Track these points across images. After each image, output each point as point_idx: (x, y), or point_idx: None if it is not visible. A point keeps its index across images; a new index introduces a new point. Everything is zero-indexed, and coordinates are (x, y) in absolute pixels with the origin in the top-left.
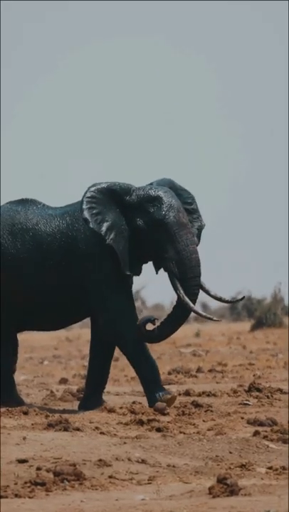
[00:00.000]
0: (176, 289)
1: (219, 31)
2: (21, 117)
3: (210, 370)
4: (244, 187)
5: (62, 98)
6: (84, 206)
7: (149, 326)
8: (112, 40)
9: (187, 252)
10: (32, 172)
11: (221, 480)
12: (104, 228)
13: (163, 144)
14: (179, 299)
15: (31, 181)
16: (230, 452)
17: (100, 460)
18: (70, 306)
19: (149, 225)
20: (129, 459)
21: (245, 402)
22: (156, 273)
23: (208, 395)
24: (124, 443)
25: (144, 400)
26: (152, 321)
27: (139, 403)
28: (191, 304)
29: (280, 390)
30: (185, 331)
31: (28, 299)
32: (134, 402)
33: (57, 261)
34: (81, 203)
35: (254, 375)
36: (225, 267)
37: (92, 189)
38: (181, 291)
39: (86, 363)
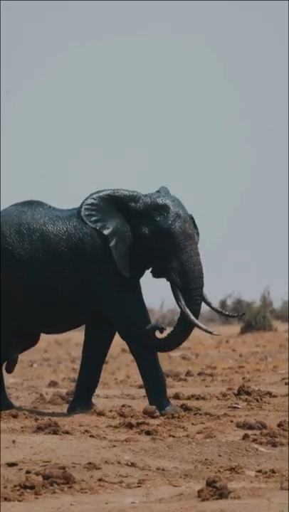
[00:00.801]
0: (177, 299)
1: (219, 31)
2: (21, 116)
3: (199, 374)
4: (236, 190)
5: (62, 97)
6: (82, 213)
7: (158, 335)
8: (112, 38)
9: (191, 263)
10: (31, 171)
11: (211, 483)
12: (104, 235)
13: (163, 144)
14: (180, 310)
15: (30, 180)
16: (220, 455)
17: (90, 463)
18: (74, 308)
19: (154, 234)
20: (118, 462)
21: (235, 405)
22: (155, 277)
23: (197, 399)
24: (114, 446)
25: (133, 403)
26: (160, 329)
27: (129, 406)
28: (192, 316)
29: (270, 394)
30: None
31: (32, 299)
32: (123, 405)
33: (64, 262)
34: (80, 210)
35: (243, 379)
36: (214, 270)
37: (93, 196)
38: (183, 303)
39: (76, 366)
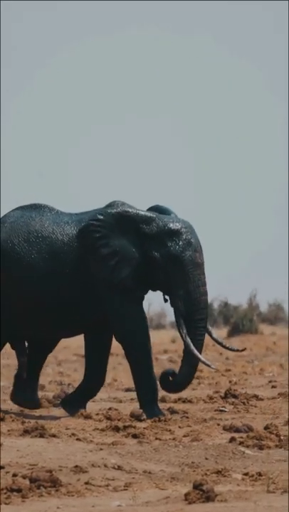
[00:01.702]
0: (179, 327)
1: (221, 31)
2: (20, 115)
3: None
4: (224, 192)
5: (61, 96)
6: (87, 228)
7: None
8: (112, 36)
9: (197, 294)
10: (31, 170)
11: (197, 486)
12: (103, 253)
13: (164, 144)
14: (181, 338)
15: (30, 180)
16: (207, 458)
17: (76, 466)
18: (83, 315)
19: (164, 258)
20: (105, 466)
21: (221, 408)
22: (165, 302)
23: (184, 402)
24: (101, 449)
25: (120, 407)
26: (172, 374)
27: (116, 409)
28: (192, 346)
29: (256, 397)
30: (161, 337)
31: (42, 306)
32: (110, 409)
33: (73, 269)
34: (87, 225)
35: (230, 382)
36: None
37: (103, 212)
38: (184, 331)
39: (62, 370)
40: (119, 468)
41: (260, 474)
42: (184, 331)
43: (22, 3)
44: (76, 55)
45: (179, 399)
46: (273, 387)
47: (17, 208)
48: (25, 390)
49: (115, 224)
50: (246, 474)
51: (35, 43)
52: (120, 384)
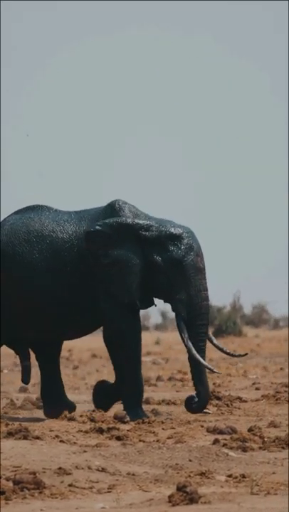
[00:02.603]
0: (181, 331)
1: (221, 31)
2: (20, 114)
3: (169, 379)
4: (209, 193)
5: (62, 95)
6: (87, 238)
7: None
8: (112, 36)
9: (198, 298)
10: (31, 170)
11: (181, 488)
12: (104, 262)
13: (163, 144)
14: (183, 342)
15: (30, 180)
16: (190, 460)
17: (60, 468)
18: (85, 315)
19: (165, 263)
20: (89, 468)
21: (205, 410)
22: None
23: (167, 404)
24: (84, 451)
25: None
26: (194, 397)
27: (99, 411)
28: (194, 350)
29: (240, 399)
30: (145, 339)
31: (43, 306)
32: (94, 411)
33: (74, 267)
34: (85, 235)
35: (214, 384)
36: None
37: (100, 223)
38: (186, 335)
39: None
40: (103, 470)
41: (243, 476)
42: (186, 335)
43: (22, 3)
44: (76, 55)
45: (163, 401)
46: (257, 389)
47: (14, 212)
48: (54, 400)
49: (113, 233)
50: (230, 476)
51: (35, 43)
52: None
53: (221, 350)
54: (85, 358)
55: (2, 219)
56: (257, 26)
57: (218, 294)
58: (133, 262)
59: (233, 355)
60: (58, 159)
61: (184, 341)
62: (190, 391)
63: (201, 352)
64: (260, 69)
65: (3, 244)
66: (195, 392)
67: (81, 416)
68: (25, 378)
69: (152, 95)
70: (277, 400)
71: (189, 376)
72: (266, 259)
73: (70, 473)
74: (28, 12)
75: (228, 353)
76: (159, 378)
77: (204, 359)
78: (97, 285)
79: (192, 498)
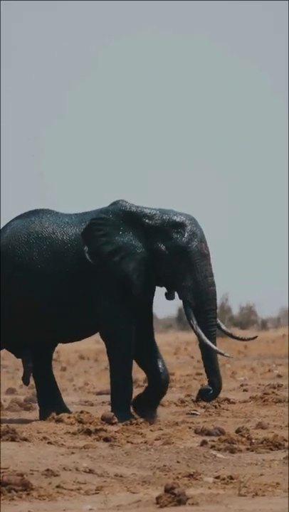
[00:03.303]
0: (189, 318)
1: (221, 31)
2: (20, 115)
3: None
4: (195, 196)
5: (62, 95)
6: (89, 229)
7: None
8: (112, 36)
9: (205, 284)
10: (31, 170)
11: (169, 489)
12: (106, 250)
13: (162, 144)
14: (192, 329)
15: (30, 180)
16: (178, 462)
17: (48, 470)
18: (85, 316)
19: (170, 251)
20: (76, 469)
21: (193, 411)
22: (167, 299)
23: None
24: (72, 453)
25: (91, 410)
26: (209, 389)
27: (87, 413)
28: (204, 336)
29: (228, 400)
30: None
31: (43, 307)
32: (81, 412)
33: (74, 268)
34: (88, 225)
35: (202, 385)
36: None
37: (104, 210)
38: (195, 322)
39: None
40: (91, 471)
41: (231, 478)
42: (194, 322)
43: (22, 3)
44: (76, 56)
45: None
46: (245, 390)
47: (17, 217)
48: (52, 403)
49: (118, 221)
50: (218, 478)
51: (35, 43)
52: (92, 387)
53: (230, 335)
54: (73, 359)
55: (6, 222)
56: (257, 26)
57: None
58: (136, 250)
59: (243, 339)
60: (57, 158)
61: (193, 328)
62: (178, 392)
63: (212, 338)
64: (259, 69)
65: (4, 246)
66: (208, 382)
67: (69, 417)
68: (27, 379)
69: (152, 96)
70: (264, 401)
71: (176, 377)
72: (254, 260)
73: (57, 475)
74: (28, 12)
75: (237, 338)
76: (146, 380)
77: (215, 345)
78: (95, 284)
79: (180, 500)
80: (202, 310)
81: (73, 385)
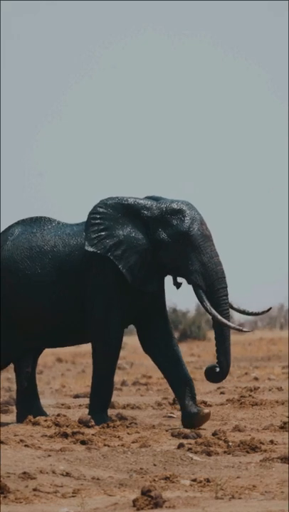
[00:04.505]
0: (202, 301)
1: (221, 31)
2: (20, 115)
3: (134, 383)
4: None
5: (62, 95)
6: (88, 223)
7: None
8: (111, 38)
9: (212, 264)
10: (31, 170)
11: (146, 492)
12: (107, 244)
13: (165, 144)
14: (206, 311)
15: (30, 180)
16: (155, 464)
17: (24, 473)
18: (86, 326)
19: (172, 238)
20: (53, 472)
21: (170, 414)
22: (177, 288)
23: (132, 408)
24: (49, 456)
25: (68, 413)
26: (216, 366)
27: (64, 416)
28: (219, 316)
29: (204, 403)
30: None
31: (48, 322)
32: (58, 415)
33: (76, 281)
34: (87, 220)
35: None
36: None
37: (101, 204)
38: (208, 304)
39: (10, 376)
40: (68, 474)
41: (208, 480)
42: (208, 304)
43: (22, 3)
44: (76, 56)
45: (128, 405)
46: (222, 393)
47: (17, 223)
48: (30, 407)
49: (116, 214)
50: (194, 480)
51: (35, 43)
52: (69, 390)
53: (243, 312)
54: (50, 362)
55: (6, 227)
56: (257, 26)
57: (183, 298)
58: (138, 243)
59: (256, 314)
60: (58, 158)
61: (207, 310)
62: (155, 395)
63: (226, 316)
64: (259, 70)
65: (6, 259)
66: (217, 362)
67: (45, 420)
68: (24, 383)
69: (151, 96)
70: (241, 404)
71: (153, 380)
72: (232, 262)
73: (34, 478)
74: (28, 12)
75: (250, 313)
76: (123, 383)
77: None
78: (91, 286)
79: (157, 503)
80: (213, 290)
81: (50, 388)
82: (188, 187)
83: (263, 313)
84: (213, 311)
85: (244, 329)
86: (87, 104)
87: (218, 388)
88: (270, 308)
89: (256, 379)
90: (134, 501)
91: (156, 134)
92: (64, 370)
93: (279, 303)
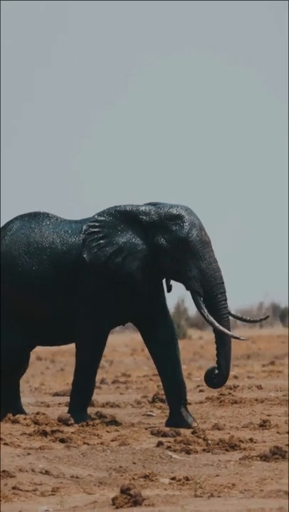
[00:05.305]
0: (199, 308)
1: (221, 31)
2: (21, 115)
3: (114, 382)
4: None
5: (61, 95)
6: (86, 232)
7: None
8: (111, 38)
9: (211, 270)
10: (31, 170)
11: (125, 491)
12: (108, 252)
13: (165, 144)
14: (204, 318)
15: (30, 180)
16: (134, 463)
17: (4, 471)
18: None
19: (171, 243)
20: (32, 470)
21: (149, 413)
22: (169, 291)
23: (112, 406)
24: (28, 454)
25: (48, 411)
26: (215, 369)
27: (43, 414)
28: (216, 323)
29: None
30: None
31: (45, 318)
32: (38, 413)
33: (73, 278)
34: (85, 229)
35: (158, 386)
36: None
37: (101, 212)
38: (205, 311)
39: None
40: (47, 472)
41: (187, 479)
42: (205, 311)
43: (22, 3)
44: (76, 57)
45: (107, 403)
46: (201, 391)
47: (16, 218)
48: (16, 403)
49: (115, 221)
50: (173, 479)
51: (35, 43)
52: (48, 388)
53: (240, 318)
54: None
55: (5, 222)
56: (257, 26)
57: None
58: (138, 249)
59: (254, 321)
60: (58, 158)
61: (204, 317)
62: (134, 393)
63: (225, 321)
64: (259, 70)
65: (4, 254)
66: (217, 367)
67: (25, 419)
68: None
69: (152, 97)
70: (221, 402)
71: (133, 378)
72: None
73: (13, 476)
74: (28, 12)
75: (248, 320)
76: (103, 381)
77: (229, 329)
78: (86, 286)
79: (136, 501)
80: (212, 296)
81: (29, 386)
82: (189, 187)
83: (260, 320)
84: (211, 318)
85: (241, 337)
86: (87, 104)
87: (198, 386)
88: (268, 316)
89: (236, 377)
90: (114, 499)
91: (155, 134)
92: (43, 369)
93: (258, 301)
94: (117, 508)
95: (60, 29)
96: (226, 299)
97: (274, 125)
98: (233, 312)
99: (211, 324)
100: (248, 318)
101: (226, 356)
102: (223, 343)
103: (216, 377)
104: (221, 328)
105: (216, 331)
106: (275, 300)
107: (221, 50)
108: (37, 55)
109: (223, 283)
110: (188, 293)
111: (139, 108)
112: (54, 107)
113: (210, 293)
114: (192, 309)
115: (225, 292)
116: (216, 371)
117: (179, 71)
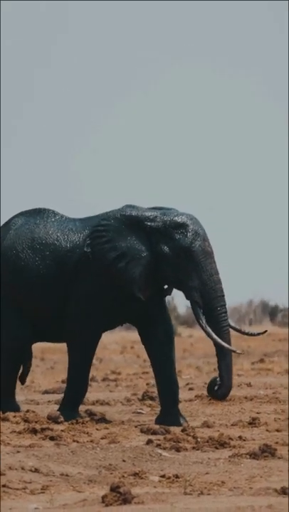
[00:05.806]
0: (198, 318)
1: (221, 32)
2: (20, 116)
3: (104, 379)
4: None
5: (62, 96)
6: (91, 236)
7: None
8: (111, 39)
9: (212, 282)
10: (31, 170)
11: (114, 488)
12: (111, 257)
13: (166, 144)
14: (202, 329)
15: (30, 180)
16: (124, 460)
17: None
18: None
19: (174, 252)
20: (22, 468)
21: (139, 410)
22: (169, 294)
23: (101, 404)
24: (18, 452)
25: (37, 409)
26: (217, 380)
27: (33, 412)
28: (214, 335)
29: None
30: None
31: (47, 314)
32: (27, 411)
33: (75, 276)
34: (90, 234)
35: (147, 384)
36: None
37: (106, 216)
38: (204, 322)
39: None
40: (37, 470)
41: (177, 476)
42: (204, 321)
43: (22, 3)
44: (76, 57)
45: (97, 401)
46: (190, 389)
47: (21, 213)
48: (13, 399)
49: (120, 226)
50: (163, 476)
51: (35, 43)
52: (38, 386)
53: (238, 330)
54: None
55: (9, 218)
56: (257, 27)
57: None
58: (141, 254)
59: (251, 334)
60: (58, 158)
61: (202, 328)
62: (124, 391)
63: (225, 334)
64: (259, 70)
65: (7, 248)
66: (219, 378)
67: (14, 416)
68: (24, 379)
69: (152, 98)
70: (210, 400)
71: (123, 376)
72: None
73: (3, 474)
74: (28, 12)
75: (245, 333)
76: (93, 379)
77: (229, 342)
78: (85, 286)
79: (125, 499)
80: (212, 308)
81: (19, 384)
82: (189, 187)
83: (258, 334)
84: (208, 330)
85: (238, 351)
86: (87, 104)
87: (187, 384)
88: (266, 331)
89: None
90: (103, 497)
91: (155, 134)
92: (33, 367)
93: (248, 299)
94: (106, 505)
95: (60, 29)
96: (226, 312)
97: (274, 125)
98: (232, 324)
99: (209, 336)
100: (247, 331)
101: (227, 368)
102: (223, 355)
103: (219, 390)
104: (219, 340)
105: (214, 343)
106: (264, 298)
107: (221, 50)
108: (37, 55)
109: (223, 296)
110: (180, 292)
111: (139, 108)
112: (54, 107)
113: (210, 305)
114: (182, 307)
115: (225, 305)
116: (218, 382)
117: (179, 71)
